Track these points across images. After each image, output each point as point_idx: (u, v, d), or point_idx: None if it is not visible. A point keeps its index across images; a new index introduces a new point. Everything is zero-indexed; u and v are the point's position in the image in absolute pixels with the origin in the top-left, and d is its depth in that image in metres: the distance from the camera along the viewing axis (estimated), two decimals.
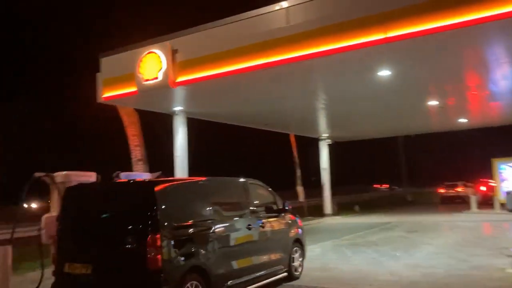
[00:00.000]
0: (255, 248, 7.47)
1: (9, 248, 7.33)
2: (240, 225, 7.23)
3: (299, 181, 25.02)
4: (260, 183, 8.52)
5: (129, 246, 5.69)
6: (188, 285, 5.90)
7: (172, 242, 5.81)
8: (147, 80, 12.32)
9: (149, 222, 5.65)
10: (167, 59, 12.01)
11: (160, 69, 12.10)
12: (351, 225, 20.23)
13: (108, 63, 13.50)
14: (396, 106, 16.92)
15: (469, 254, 10.73)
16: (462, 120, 21.27)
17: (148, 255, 5.51)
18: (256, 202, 7.92)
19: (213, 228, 6.57)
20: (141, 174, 8.13)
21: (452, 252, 11.23)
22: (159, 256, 5.52)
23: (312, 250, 12.85)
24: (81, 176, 7.85)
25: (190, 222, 6.27)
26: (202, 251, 6.26)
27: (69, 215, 6.36)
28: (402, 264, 9.89)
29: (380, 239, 14.72)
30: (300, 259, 8.95)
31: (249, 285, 7.24)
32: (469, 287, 7.55)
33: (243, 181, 7.92)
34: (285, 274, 8.43)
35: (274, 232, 8.10)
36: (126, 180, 7.37)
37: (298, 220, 9.24)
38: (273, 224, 8.14)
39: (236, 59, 11.12)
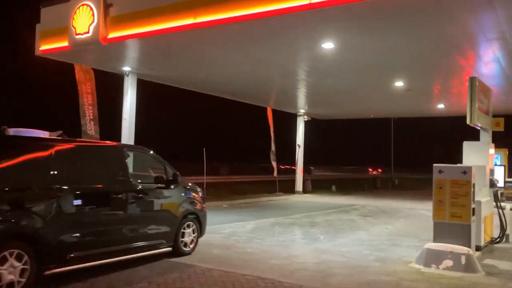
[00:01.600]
0: (121, 219, 6.90)
1: None
2: (100, 193, 6.65)
3: (273, 156, 24.34)
4: (146, 151, 7.90)
5: None
6: (6, 253, 5.37)
7: None
8: (78, 34, 11.64)
9: None
10: (99, 13, 11.29)
11: (92, 23, 11.40)
12: (314, 204, 19.73)
13: (48, 14, 12.82)
14: (360, 86, 16.09)
15: (393, 244, 10.13)
16: (440, 106, 20.34)
17: None
18: (133, 171, 7.32)
19: (54, 195, 5.98)
20: (34, 131, 7.47)
21: (379, 240, 10.62)
22: None
23: (244, 226, 12.40)
24: None
25: (19, 186, 5.71)
26: (33, 218, 5.69)
27: None
28: (311, 248, 9.32)
29: (325, 220, 14.18)
30: (194, 235, 8.38)
31: (111, 258, 6.72)
32: (351, 279, 6.93)
33: (117, 148, 7.26)
34: (169, 249, 7.89)
35: (153, 204, 7.52)
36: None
37: (197, 195, 8.60)
38: (153, 195, 7.54)
39: (164, 16, 10.38)
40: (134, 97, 15.18)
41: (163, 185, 7.77)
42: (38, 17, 13.00)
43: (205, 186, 21.11)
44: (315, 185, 28.23)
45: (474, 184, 8.41)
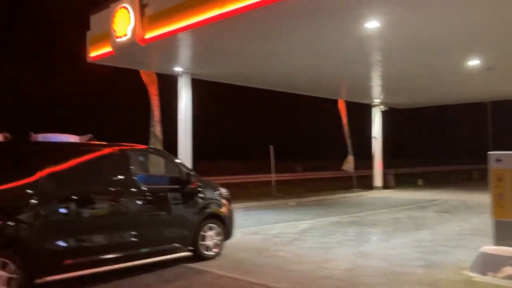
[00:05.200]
0: (123, 223, 6.53)
1: None
2: (97, 197, 6.34)
3: (349, 151, 23.08)
4: (158, 152, 7.49)
5: None
6: None
7: None
8: (118, 37, 11.68)
9: None
10: (135, 14, 11.22)
11: (129, 25, 11.37)
12: (390, 201, 18.29)
13: (96, 21, 13.07)
14: (431, 68, 14.50)
15: (456, 246, 8.75)
16: None
17: None
18: (139, 172, 6.94)
19: (41, 200, 5.73)
20: (63, 136, 7.41)
21: (442, 241, 9.25)
22: None
23: (297, 226, 11.63)
24: None
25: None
26: (19, 225, 5.50)
27: None
28: (353, 251, 8.29)
29: (392, 218, 12.93)
30: (219, 238, 7.80)
31: (113, 264, 6.40)
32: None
33: (119, 150, 6.82)
34: (188, 253, 7.42)
35: (164, 206, 7.07)
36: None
37: (219, 196, 7.99)
38: (164, 197, 7.11)
39: (195, 9, 9.99)
40: (189, 97, 15.03)
41: (176, 187, 7.31)
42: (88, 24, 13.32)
43: (274, 184, 20.65)
44: (401, 180, 26.39)
45: None
